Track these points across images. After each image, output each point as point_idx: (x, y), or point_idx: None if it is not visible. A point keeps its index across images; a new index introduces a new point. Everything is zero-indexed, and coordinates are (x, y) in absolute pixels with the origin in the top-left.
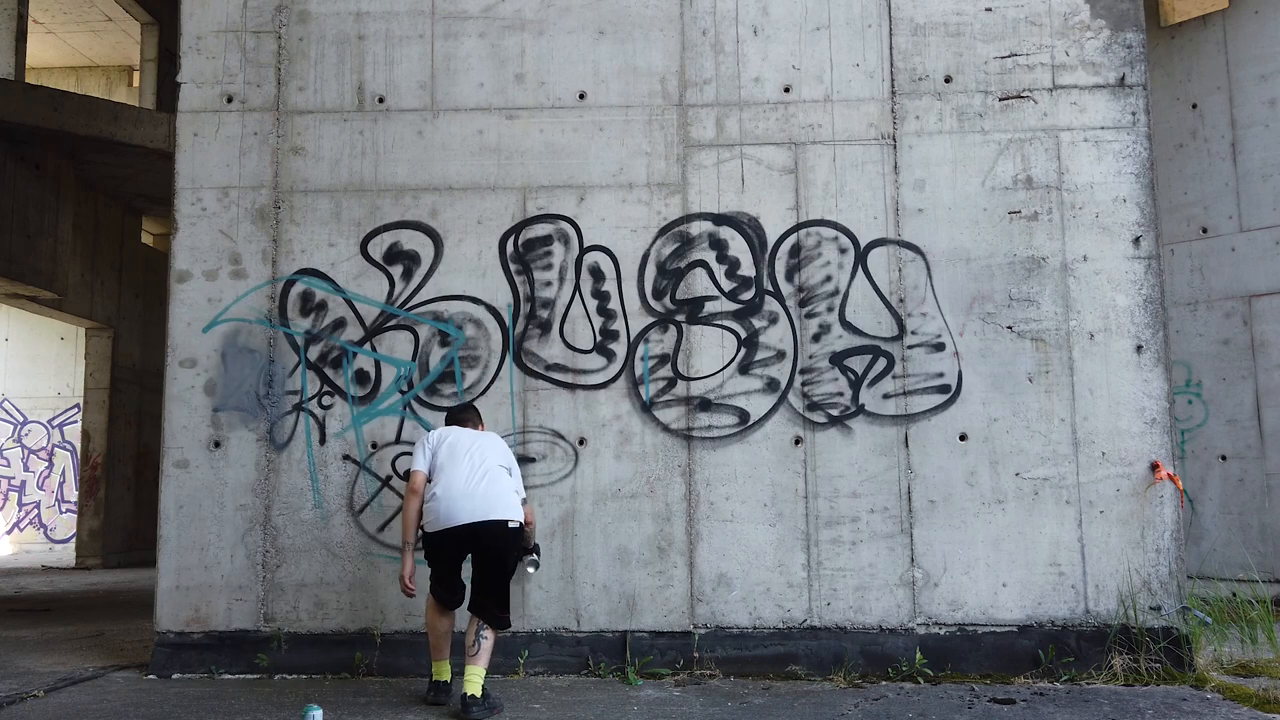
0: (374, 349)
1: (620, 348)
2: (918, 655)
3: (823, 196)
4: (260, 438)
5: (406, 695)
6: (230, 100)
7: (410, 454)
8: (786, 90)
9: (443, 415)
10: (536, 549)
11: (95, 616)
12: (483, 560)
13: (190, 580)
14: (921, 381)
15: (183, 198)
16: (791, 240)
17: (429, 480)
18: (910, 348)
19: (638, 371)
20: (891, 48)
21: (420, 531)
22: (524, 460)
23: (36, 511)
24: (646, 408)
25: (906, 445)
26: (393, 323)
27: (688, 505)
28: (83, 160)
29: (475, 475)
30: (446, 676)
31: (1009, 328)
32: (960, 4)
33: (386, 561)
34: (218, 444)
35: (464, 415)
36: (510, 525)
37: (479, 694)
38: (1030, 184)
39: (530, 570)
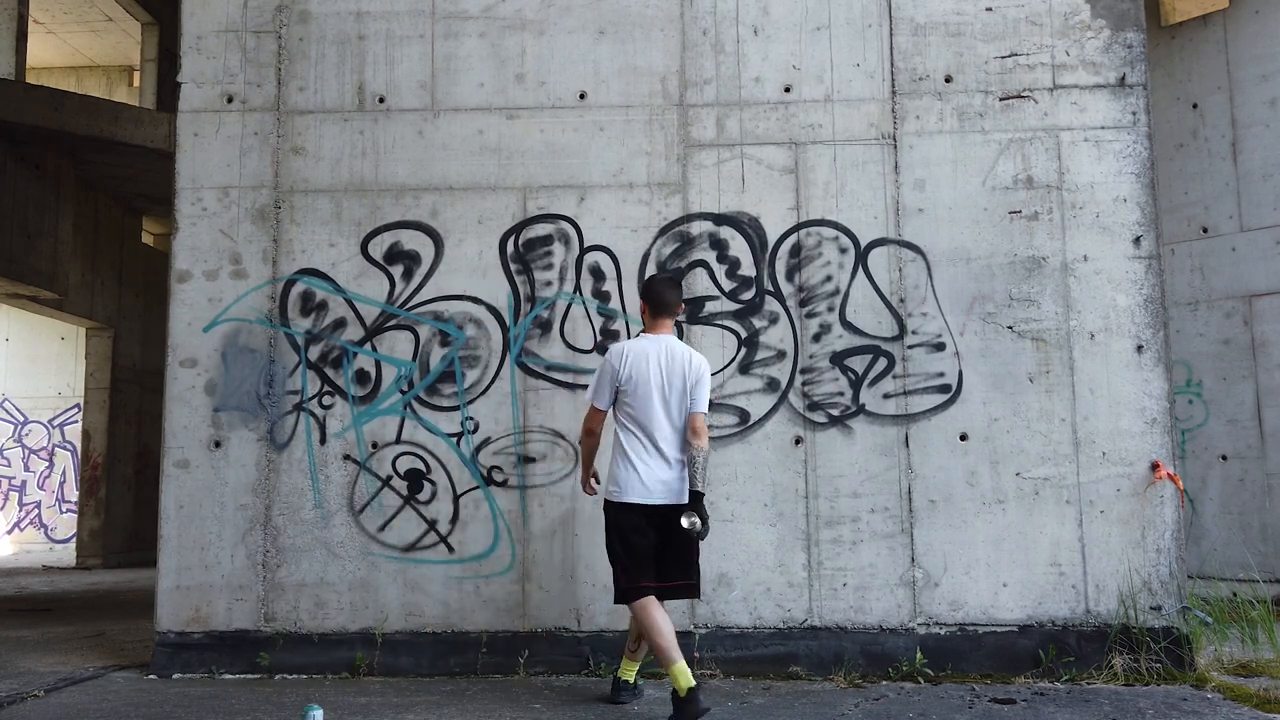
0: (374, 349)
1: None
2: (918, 655)
3: (823, 196)
4: (261, 437)
5: (407, 695)
6: (230, 100)
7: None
8: (787, 90)
9: (442, 416)
10: (699, 505)
11: (96, 616)
12: (670, 535)
13: (191, 580)
14: (922, 381)
15: (183, 198)
16: (792, 240)
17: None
18: (911, 347)
19: None
20: (892, 48)
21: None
22: (525, 460)
23: (37, 511)
24: None
25: (907, 445)
26: (393, 323)
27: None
28: (83, 160)
29: (658, 452)
30: (689, 685)
31: (1009, 327)
32: (960, 4)
33: (387, 561)
34: (218, 444)
35: (668, 299)
36: (692, 521)
37: (634, 681)
38: (1031, 184)
39: (687, 525)
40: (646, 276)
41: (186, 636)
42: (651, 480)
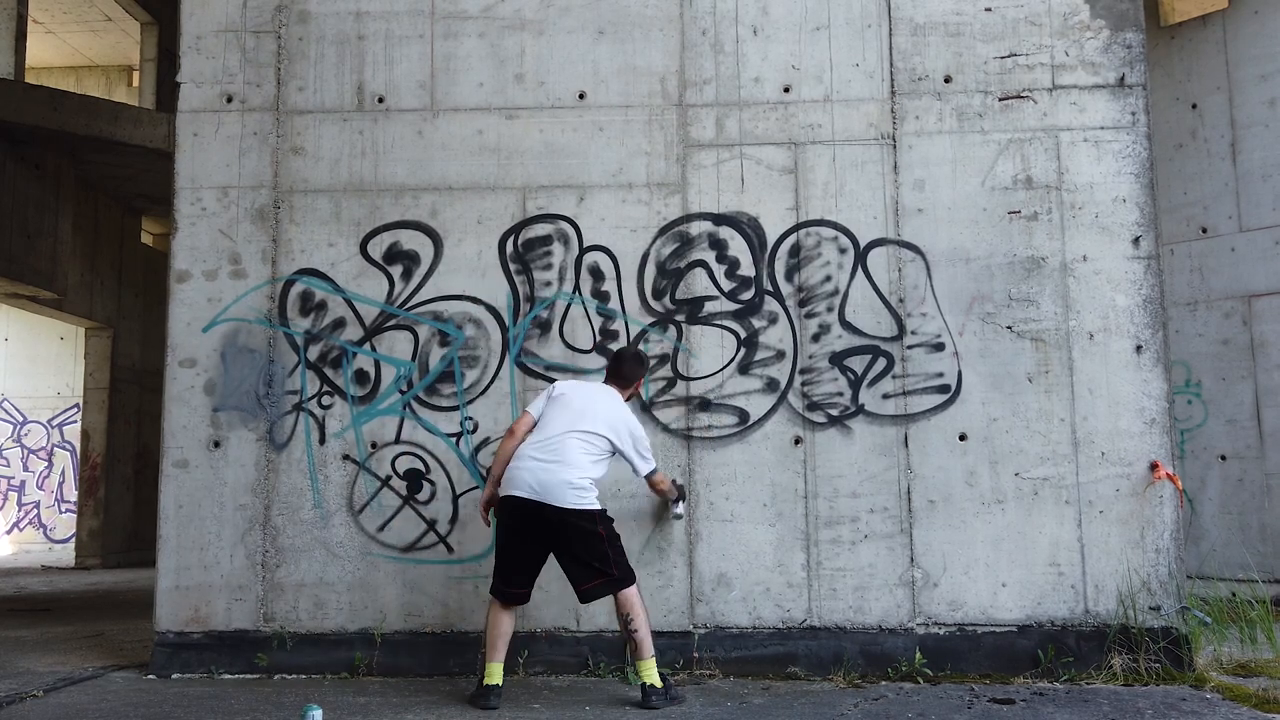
0: (374, 349)
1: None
2: (917, 655)
3: (822, 196)
4: (260, 437)
5: (406, 695)
6: (230, 100)
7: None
8: (786, 90)
9: (442, 415)
10: (681, 492)
11: (95, 616)
12: (556, 545)
13: (190, 580)
14: (921, 381)
15: (182, 198)
16: (791, 240)
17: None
18: (910, 348)
19: None
20: (891, 48)
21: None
22: None
23: (36, 511)
24: (646, 408)
25: (906, 445)
26: (392, 323)
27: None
28: (83, 160)
29: (551, 454)
30: (498, 680)
31: (1009, 328)
32: (960, 4)
33: (386, 561)
34: (217, 444)
35: (616, 366)
36: (572, 509)
37: (658, 683)
38: (1030, 184)
39: (675, 519)
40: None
41: (185, 636)
42: (529, 473)
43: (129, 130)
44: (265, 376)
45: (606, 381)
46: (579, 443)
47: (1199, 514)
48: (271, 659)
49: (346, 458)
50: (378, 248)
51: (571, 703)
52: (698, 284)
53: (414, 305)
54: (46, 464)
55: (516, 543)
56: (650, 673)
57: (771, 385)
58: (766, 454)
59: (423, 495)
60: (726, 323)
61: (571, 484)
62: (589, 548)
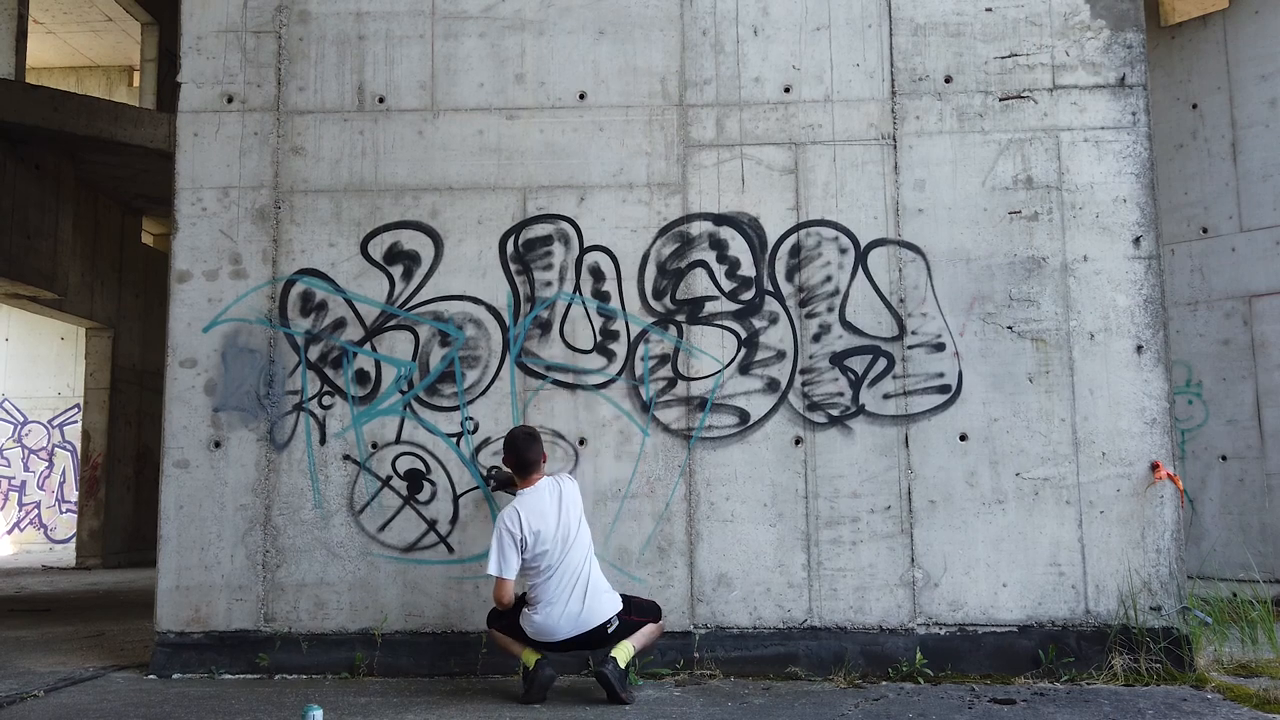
0: (374, 349)
1: (620, 348)
2: (918, 655)
3: (823, 196)
4: (260, 438)
5: (407, 695)
6: (230, 100)
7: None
8: (786, 90)
9: (443, 416)
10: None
11: (95, 616)
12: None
13: (190, 580)
14: (922, 381)
15: (183, 198)
16: (792, 240)
17: (527, 570)
18: (910, 348)
19: (638, 371)
20: (892, 48)
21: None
22: None
23: (37, 511)
24: (647, 408)
25: (907, 445)
26: (393, 323)
27: (688, 505)
28: (83, 160)
29: (575, 588)
30: (539, 654)
31: (1009, 328)
32: (960, 4)
33: (386, 562)
34: (218, 444)
35: (531, 455)
36: (608, 629)
37: (623, 665)
38: (1030, 184)
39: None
40: (513, 429)
41: (186, 637)
42: (563, 618)
43: (129, 130)
44: (266, 377)
45: (526, 478)
46: (588, 565)
47: (1199, 514)
48: (272, 659)
49: (347, 458)
50: (378, 248)
51: (572, 703)
52: (698, 284)
53: (414, 305)
54: (47, 464)
55: (555, 647)
56: (626, 654)
57: (772, 385)
58: (767, 454)
59: (423, 495)
60: (727, 323)
61: (606, 596)
62: (624, 630)
